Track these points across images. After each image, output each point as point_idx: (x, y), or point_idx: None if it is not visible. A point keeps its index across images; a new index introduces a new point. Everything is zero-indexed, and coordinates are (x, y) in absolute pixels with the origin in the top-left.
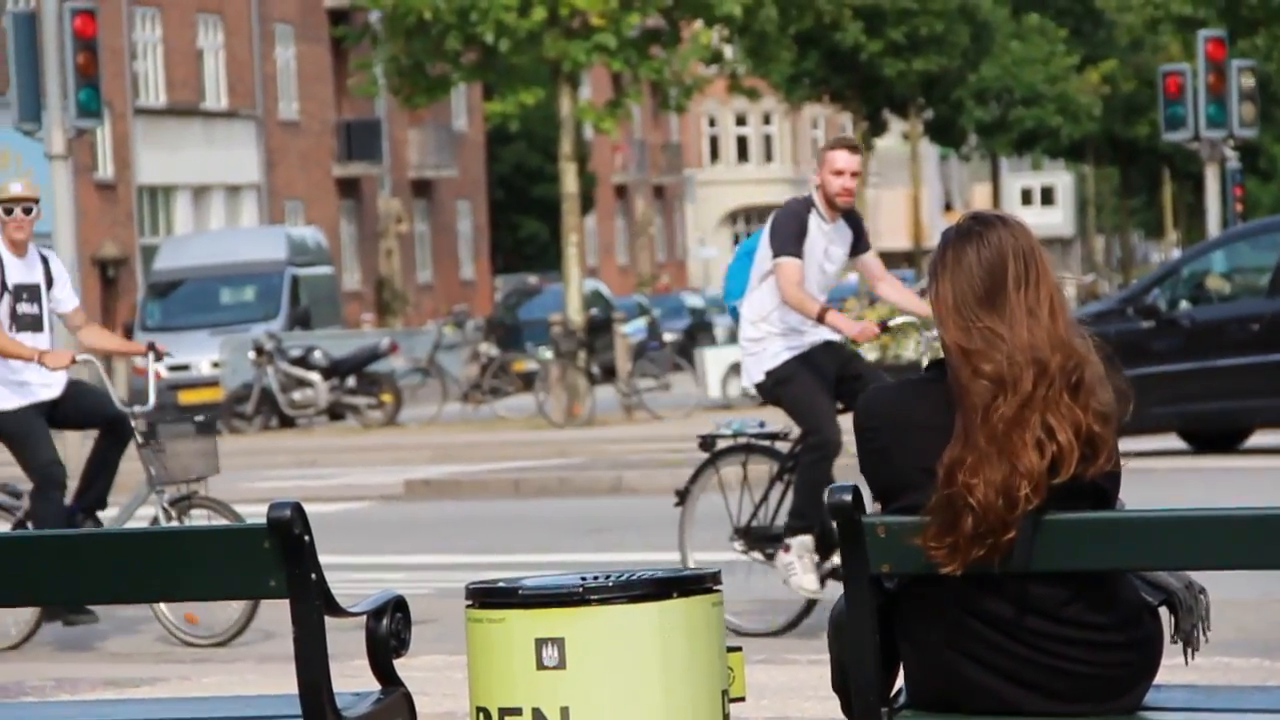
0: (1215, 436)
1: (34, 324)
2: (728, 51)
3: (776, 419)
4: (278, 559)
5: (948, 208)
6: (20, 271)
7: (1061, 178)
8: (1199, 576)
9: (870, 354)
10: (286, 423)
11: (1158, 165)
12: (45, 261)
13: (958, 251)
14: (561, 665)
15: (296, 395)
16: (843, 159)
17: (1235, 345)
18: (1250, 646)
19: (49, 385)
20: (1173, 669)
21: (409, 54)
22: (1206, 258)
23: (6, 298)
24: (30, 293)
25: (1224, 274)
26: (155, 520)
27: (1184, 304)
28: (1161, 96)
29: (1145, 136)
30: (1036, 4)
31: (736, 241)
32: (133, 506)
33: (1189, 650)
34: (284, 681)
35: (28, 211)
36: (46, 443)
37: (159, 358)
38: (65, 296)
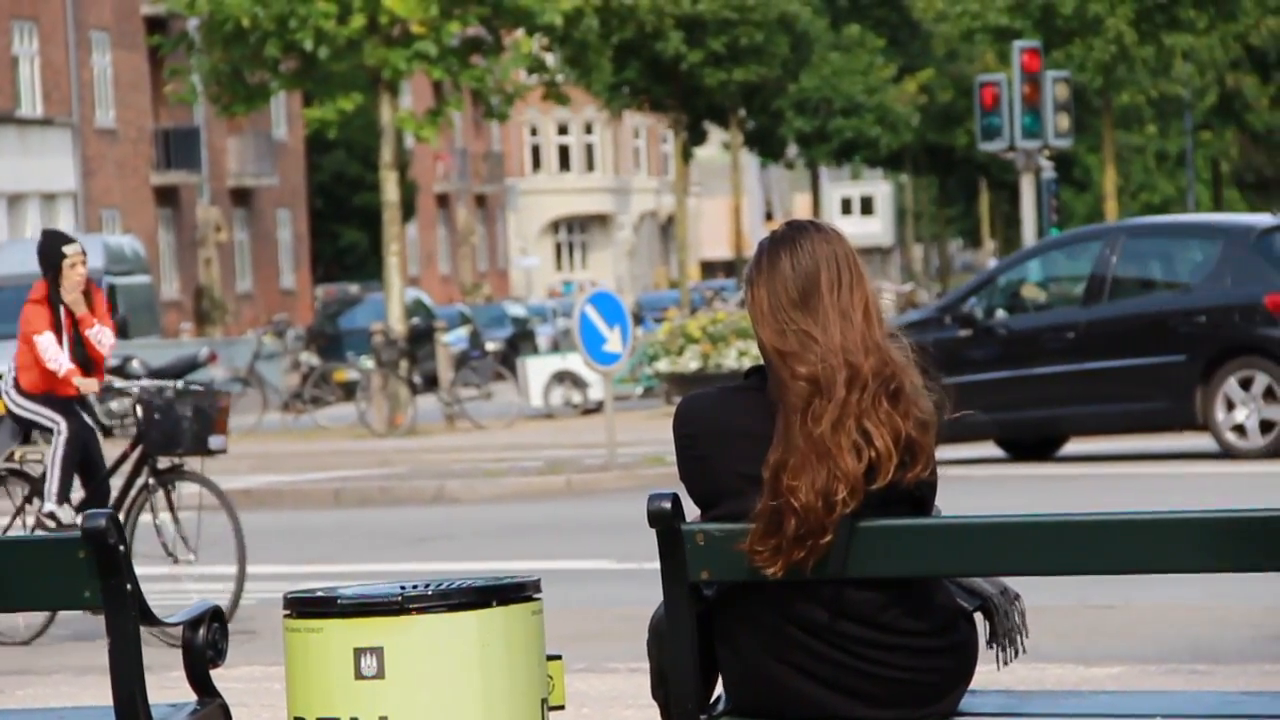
0: (1031, 444)
1: None
2: (549, 60)
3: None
4: (92, 569)
5: (768, 217)
6: None
7: (880, 187)
8: (1014, 582)
9: (692, 362)
10: (104, 432)
11: (975, 175)
12: None
13: (773, 257)
14: (380, 675)
15: (114, 405)
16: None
17: (1050, 353)
18: (1064, 652)
19: None
20: (989, 674)
21: (227, 61)
22: (1022, 267)
23: None
24: None
25: (1039, 283)
26: None
27: (1000, 313)
28: (978, 106)
29: (962, 146)
30: (855, 14)
31: (559, 251)
32: None
33: (1005, 655)
34: (100, 693)
35: None
36: None
37: None
38: None
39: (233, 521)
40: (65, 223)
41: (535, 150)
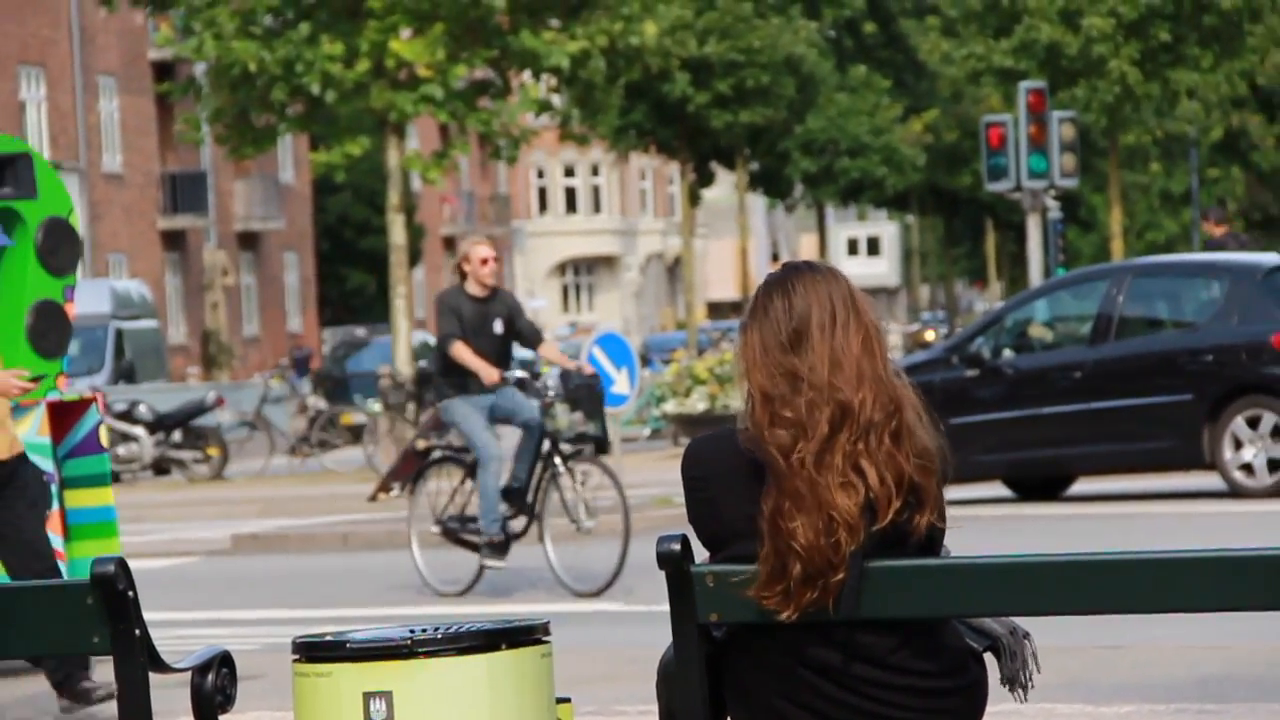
0: (1039, 484)
1: None
2: (555, 101)
3: None
4: (101, 615)
5: (775, 258)
6: None
7: (886, 228)
8: (1023, 621)
9: (700, 404)
10: (111, 478)
11: (981, 215)
12: None
13: (765, 300)
14: (390, 719)
15: (121, 450)
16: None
17: (1058, 393)
18: (1074, 692)
19: None
20: (998, 715)
21: (234, 105)
22: (1029, 307)
23: None
24: None
25: (1046, 323)
26: None
27: (1007, 353)
28: (984, 147)
29: (968, 186)
30: (860, 56)
31: (566, 292)
32: None
33: (1016, 693)
34: None
35: None
36: None
37: None
38: None
39: None
40: None
41: (542, 192)
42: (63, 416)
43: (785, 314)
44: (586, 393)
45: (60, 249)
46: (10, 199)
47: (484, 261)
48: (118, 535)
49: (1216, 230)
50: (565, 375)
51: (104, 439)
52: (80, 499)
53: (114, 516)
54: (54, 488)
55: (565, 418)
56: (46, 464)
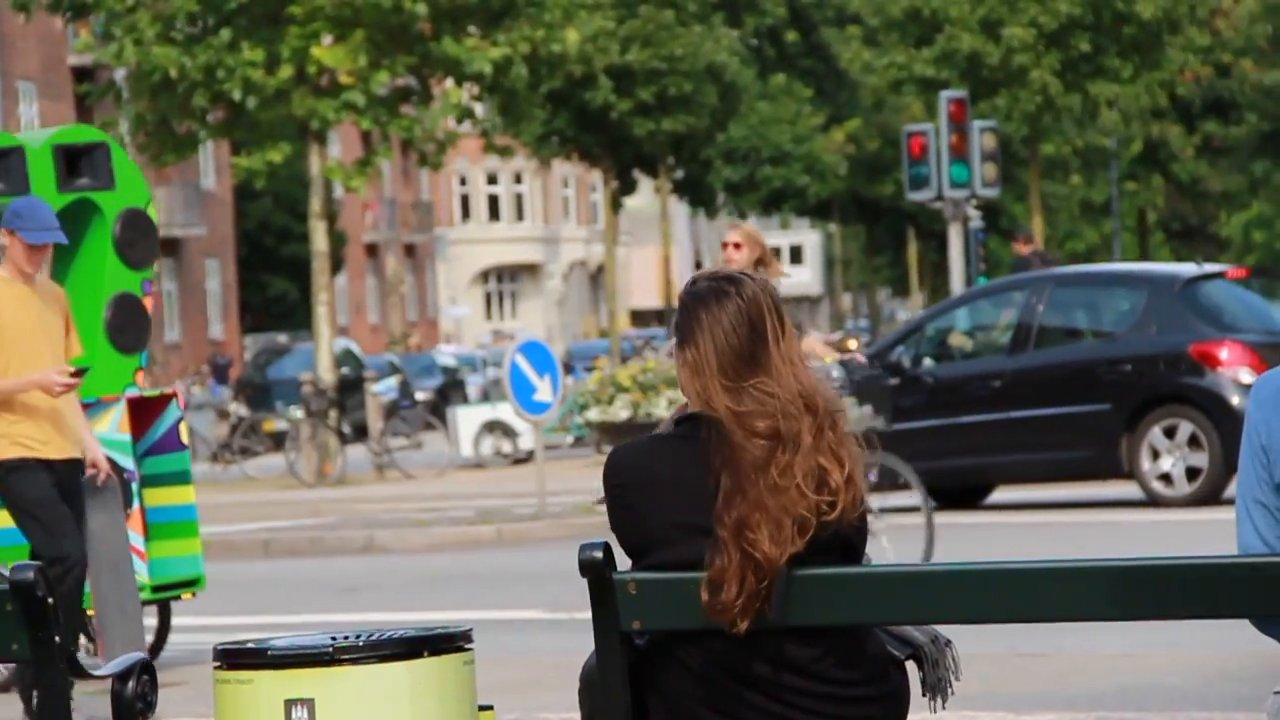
0: (958, 492)
1: None
2: (479, 109)
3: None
4: (20, 622)
5: (698, 265)
6: None
7: (809, 236)
8: (944, 629)
9: (623, 411)
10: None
11: (902, 224)
12: None
13: (715, 313)
14: None
15: None
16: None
17: (977, 402)
18: (995, 700)
19: None
20: None
21: (155, 111)
22: (950, 315)
23: None
24: None
25: (966, 331)
26: None
27: (928, 361)
28: (905, 156)
29: (890, 195)
30: (782, 65)
31: (488, 300)
32: None
33: (937, 700)
34: None
35: None
36: None
37: None
38: None
39: None
40: None
41: (464, 200)
42: (143, 413)
43: (742, 325)
44: (874, 385)
45: (139, 241)
46: (88, 190)
47: (724, 245)
48: (199, 534)
49: (1024, 249)
50: (848, 366)
51: (184, 436)
52: (161, 497)
53: (195, 515)
54: (134, 486)
55: (854, 411)
56: (127, 461)
